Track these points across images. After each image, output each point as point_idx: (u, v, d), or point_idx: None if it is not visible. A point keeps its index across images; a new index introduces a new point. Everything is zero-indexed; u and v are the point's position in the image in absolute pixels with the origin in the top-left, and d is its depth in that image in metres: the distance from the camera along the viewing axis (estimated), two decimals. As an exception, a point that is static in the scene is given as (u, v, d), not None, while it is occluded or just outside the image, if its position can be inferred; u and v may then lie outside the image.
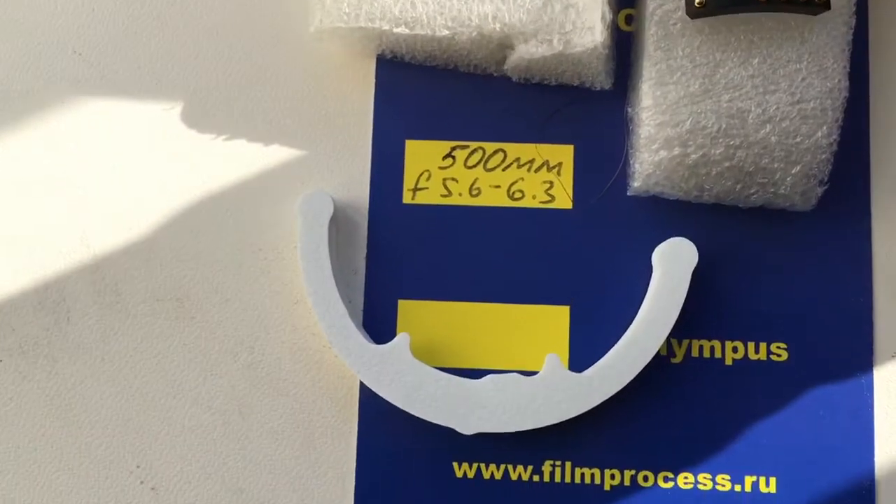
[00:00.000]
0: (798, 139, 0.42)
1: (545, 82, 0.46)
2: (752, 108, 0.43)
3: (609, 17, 0.42)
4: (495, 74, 0.47)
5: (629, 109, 0.46)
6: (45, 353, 0.46)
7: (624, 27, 0.48)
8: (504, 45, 0.45)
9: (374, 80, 0.48)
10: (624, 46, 0.47)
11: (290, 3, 0.48)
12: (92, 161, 0.48)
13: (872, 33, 0.46)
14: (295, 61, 0.48)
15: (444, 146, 0.47)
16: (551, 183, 0.47)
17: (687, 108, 0.43)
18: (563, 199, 0.47)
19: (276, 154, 0.48)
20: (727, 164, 0.43)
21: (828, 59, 0.43)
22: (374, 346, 0.43)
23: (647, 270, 0.45)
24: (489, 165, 0.47)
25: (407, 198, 0.47)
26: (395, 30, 0.44)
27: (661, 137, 0.43)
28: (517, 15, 0.43)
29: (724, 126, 0.43)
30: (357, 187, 0.47)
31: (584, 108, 0.47)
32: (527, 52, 0.44)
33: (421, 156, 0.47)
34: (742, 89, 0.43)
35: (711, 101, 0.43)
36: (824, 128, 0.43)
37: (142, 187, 0.47)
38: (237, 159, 0.47)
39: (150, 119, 0.48)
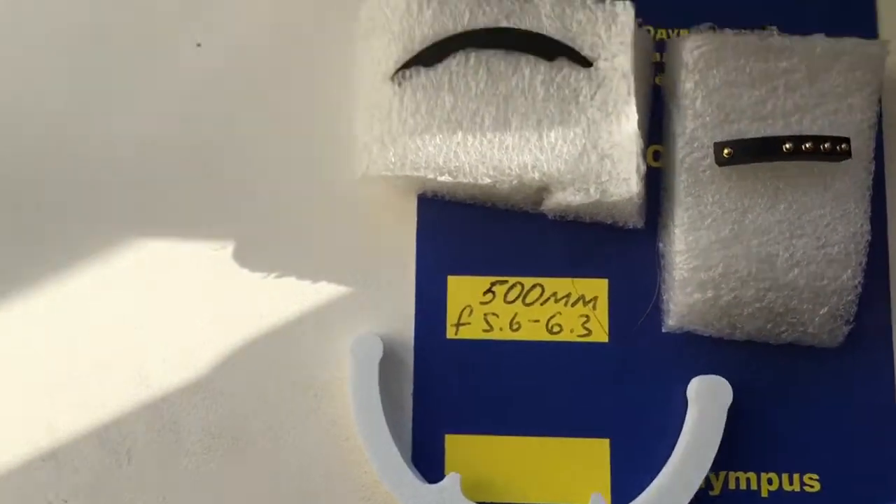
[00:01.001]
0: (825, 282, 0.44)
1: (580, 220, 0.48)
2: (781, 253, 0.45)
3: (644, 168, 0.45)
4: (532, 212, 0.49)
5: (660, 245, 0.48)
6: (109, 493, 0.48)
7: (652, 163, 0.50)
8: (542, 189, 0.47)
9: (416, 219, 0.50)
10: (652, 182, 0.49)
11: (336, 148, 0.50)
12: (148, 300, 0.50)
13: (889, 178, 0.48)
14: (339, 202, 0.50)
15: (485, 282, 0.49)
16: (587, 317, 0.49)
17: (718, 253, 0.45)
18: (600, 333, 0.49)
19: (323, 292, 0.49)
20: (758, 305, 0.45)
21: (850, 204, 0.45)
22: (425, 486, 0.45)
23: (683, 403, 0.47)
24: (528, 300, 0.49)
25: (450, 333, 0.49)
26: (440, 178, 0.46)
27: (695, 281, 0.45)
28: (555, 165, 0.45)
29: (754, 270, 0.45)
30: (402, 323, 0.49)
31: (617, 242, 0.49)
32: (564, 199, 0.46)
33: (463, 291, 0.49)
34: (770, 234, 0.45)
35: (741, 246, 0.45)
36: (849, 271, 0.45)
37: (196, 326, 0.49)
38: (286, 298, 0.49)
39: (202, 259, 0.50)
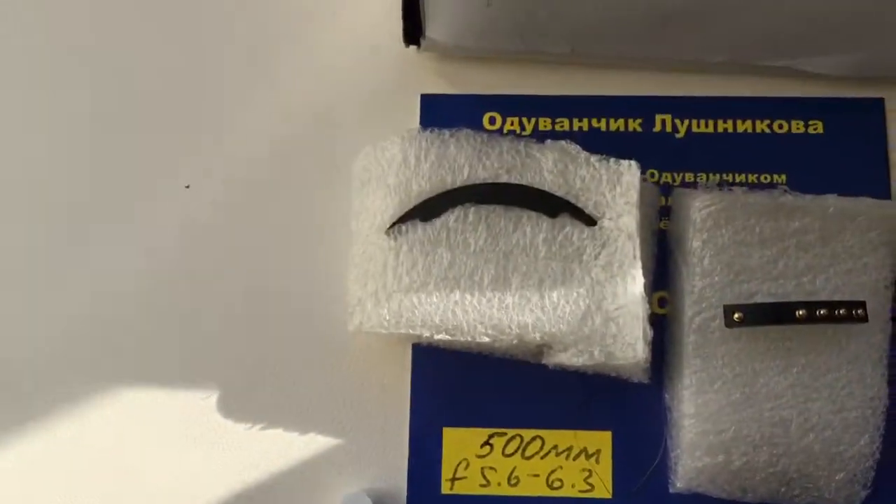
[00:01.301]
0: (841, 447, 0.43)
1: (582, 371, 0.47)
2: (795, 417, 0.43)
3: (650, 333, 0.43)
4: (532, 362, 0.47)
5: (667, 396, 0.46)
6: None
7: (657, 310, 0.48)
8: (543, 345, 0.45)
9: (409, 367, 0.48)
10: (657, 329, 0.47)
11: (327, 297, 0.48)
12: (131, 451, 0.48)
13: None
14: (330, 350, 0.48)
15: (482, 433, 0.47)
16: (590, 471, 0.47)
17: (729, 417, 0.43)
18: (602, 489, 0.47)
19: (312, 444, 0.48)
20: (771, 470, 0.43)
21: (866, 367, 0.43)
22: None
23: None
24: (527, 453, 0.47)
25: (445, 488, 0.47)
26: (437, 336, 0.44)
27: (704, 445, 0.43)
28: (557, 326, 0.44)
29: (767, 434, 0.43)
30: (395, 477, 0.47)
31: (621, 394, 0.47)
32: (567, 359, 0.44)
33: (459, 444, 0.47)
34: (783, 398, 0.43)
35: (753, 410, 0.43)
36: (866, 436, 0.43)
37: (182, 478, 0.47)
38: (274, 451, 0.48)
39: (189, 409, 0.48)
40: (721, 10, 0.45)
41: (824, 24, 0.46)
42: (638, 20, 0.45)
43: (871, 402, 0.43)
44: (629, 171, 0.44)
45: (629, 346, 0.43)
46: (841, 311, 0.42)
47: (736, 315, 0.42)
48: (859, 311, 0.42)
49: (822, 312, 0.42)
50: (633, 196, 0.44)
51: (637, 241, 0.43)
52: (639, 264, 0.43)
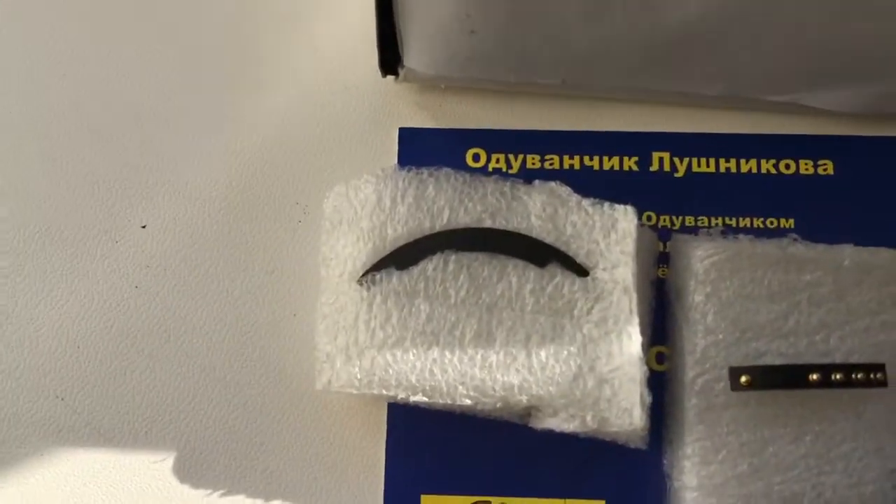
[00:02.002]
0: (858, 526, 0.39)
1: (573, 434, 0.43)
2: (808, 492, 0.39)
3: (649, 398, 0.39)
4: (519, 422, 0.43)
5: (666, 463, 0.42)
6: None
7: (655, 366, 0.44)
8: (531, 407, 0.41)
9: (385, 427, 0.44)
10: (656, 387, 0.43)
11: (293, 349, 0.45)
12: (75, 523, 0.43)
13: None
14: (297, 409, 0.44)
15: (464, 502, 0.44)
16: (582, 545, 0.43)
17: (735, 491, 0.39)
18: (596, 566, 0.43)
19: (278, 510, 0.43)
20: (781, 550, 0.39)
21: (886, 435, 0.39)
22: None
23: None
24: (514, 525, 0.43)
25: (423, 565, 0.43)
26: (413, 399, 0.40)
27: (708, 522, 0.39)
28: (546, 388, 0.40)
29: (776, 511, 0.39)
30: (368, 551, 0.43)
31: (616, 459, 0.43)
32: (557, 425, 0.40)
33: (439, 513, 0.43)
34: (795, 470, 0.39)
35: (762, 484, 0.39)
36: (886, 514, 0.39)
37: (130, 555, 0.43)
38: (235, 520, 0.43)
39: (139, 472, 0.44)
40: (719, 41, 0.42)
41: (830, 57, 0.42)
42: (634, 49, 0.42)
43: (890, 474, 0.39)
44: (625, 217, 0.40)
45: (625, 411, 0.39)
46: (858, 375, 0.38)
47: (743, 378, 0.38)
48: (878, 375, 0.38)
49: (837, 377, 0.38)
50: (630, 245, 0.40)
51: (634, 295, 0.39)
52: (636, 320, 0.39)
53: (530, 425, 0.42)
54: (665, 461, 0.43)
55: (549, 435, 0.42)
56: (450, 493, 0.44)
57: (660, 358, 0.44)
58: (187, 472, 0.44)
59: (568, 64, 0.44)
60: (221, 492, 0.44)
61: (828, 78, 0.43)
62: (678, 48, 0.42)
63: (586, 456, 0.43)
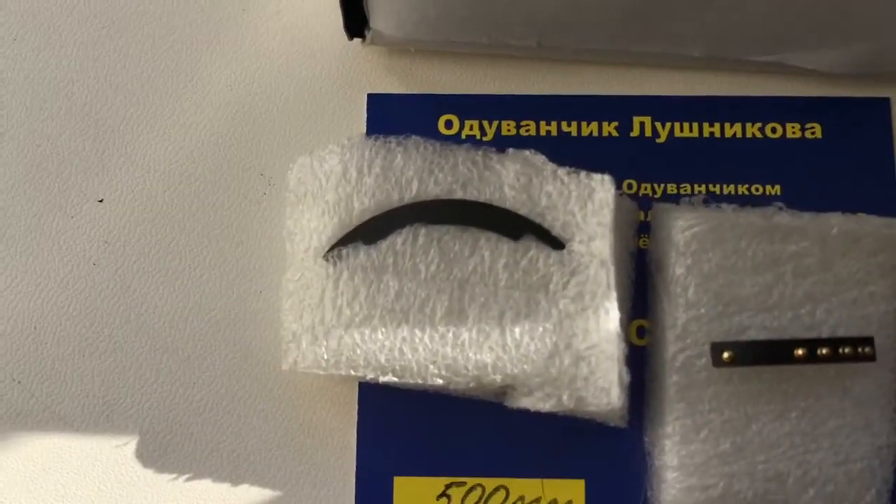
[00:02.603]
0: (845, 504, 0.37)
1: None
2: (792, 470, 0.38)
3: (627, 376, 0.37)
4: (494, 400, 0.42)
5: (647, 441, 0.41)
6: None
7: (636, 341, 0.42)
8: (505, 386, 0.40)
9: (356, 408, 0.42)
10: (637, 362, 0.41)
11: (253, 325, 0.43)
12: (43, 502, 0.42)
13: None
14: (264, 388, 0.43)
15: (438, 483, 0.42)
16: (561, 526, 0.41)
17: (718, 471, 0.38)
18: (575, 546, 0.41)
19: (245, 495, 0.42)
20: (765, 530, 0.38)
21: (874, 411, 0.38)
22: None
23: None
24: (490, 506, 0.42)
25: (397, 546, 0.41)
26: (382, 379, 0.39)
27: (690, 502, 0.38)
28: (520, 366, 0.38)
29: (760, 491, 0.38)
30: (339, 535, 0.42)
31: (595, 438, 0.42)
32: (532, 404, 0.39)
33: (411, 495, 0.42)
34: (779, 448, 0.38)
35: (745, 463, 0.38)
36: (873, 491, 0.38)
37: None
38: (200, 503, 0.42)
39: (100, 457, 0.43)
40: (701, -1, 0.40)
41: (816, 15, 0.40)
42: (612, 8, 0.40)
43: (878, 451, 0.38)
44: (602, 187, 0.38)
45: (602, 390, 0.37)
46: (846, 350, 0.36)
47: (725, 354, 0.37)
48: (866, 349, 0.37)
49: (824, 351, 0.36)
50: (607, 216, 0.38)
51: (612, 269, 0.38)
52: (614, 295, 0.38)
53: (505, 404, 0.41)
54: (646, 439, 0.41)
55: (526, 414, 0.41)
56: (423, 474, 0.42)
57: (641, 332, 0.43)
58: (150, 457, 0.43)
59: (543, 25, 0.42)
60: (187, 476, 0.43)
61: (813, 37, 0.41)
62: (658, 7, 0.40)
63: (564, 435, 0.42)
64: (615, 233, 0.39)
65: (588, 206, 0.39)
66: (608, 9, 0.40)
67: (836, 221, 0.38)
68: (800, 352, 0.36)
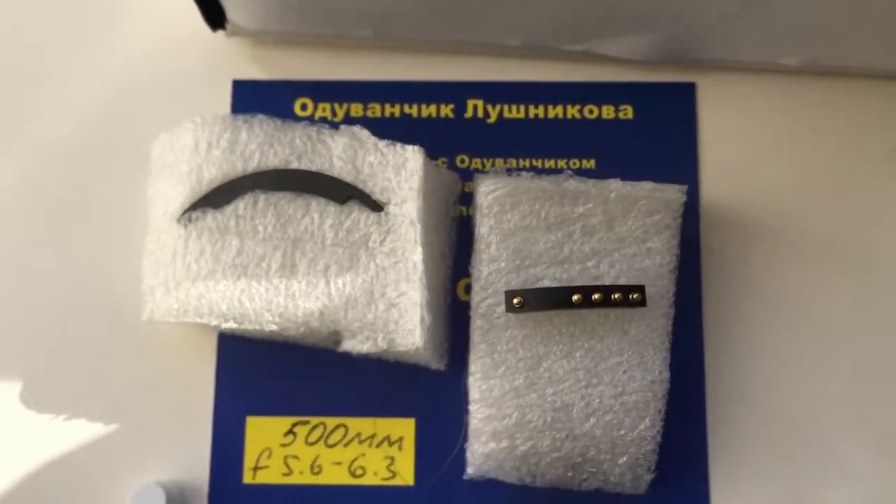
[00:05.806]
0: (622, 431, 0.43)
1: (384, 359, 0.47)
2: (577, 402, 0.43)
3: (428, 320, 0.43)
4: (336, 350, 0.47)
5: (465, 383, 0.46)
6: None
7: (463, 297, 0.48)
8: (337, 332, 0.45)
9: (215, 357, 0.48)
10: (461, 318, 0.47)
11: (123, 283, 0.48)
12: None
13: (707, 320, 0.47)
14: (131, 338, 0.48)
15: (286, 422, 0.47)
16: (393, 458, 0.47)
17: (512, 402, 0.43)
18: (405, 476, 0.47)
19: (112, 436, 0.47)
20: (555, 455, 0.43)
21: (648, 350, 0.43)
22: None
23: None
24: (330, 441, 0.47)
25: (247, 477, 0.47)
26: (224, 325, 0.44)
27: (489, 430, 0.43)
28: (341, 313, 0.43)
29: (549, 419, 0.43)
30: (197, 468, 0.47)
31: (424, 381, 0.47)
32: (354, 346, 0.44)
33: (262, 433, 0.47)
34: (566, 382, 0.43)
35: (536, 395, 0.43)
36: (647, 420, 0.43)
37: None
38: (70, 442, 0.47)
39: (-11, 400, 0.47)
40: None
41: (611, 6, 0.45)
42: (430, 3, 0.45)
43: (651, 385, 0.43)
44: (413, 157, 0.44)
45: (409, 332, 0.43)
46: (616, 296, 0.42)
47: (515, 300, 0.42)
48: (636, 296, 0.42)
49: (596, 297, 0.42)
50: (416, 181, 0.43)
51: (419, 227, 0.43)
52: (419, 251, 0.43)
53: (338, 350, 0.46)
54: (464, 382, 0.46)
55: (364, 361, 0.46)
56: (272, 414, 0.47)
57: (468, 289, 0.48)
58: (32, 401, 0.48)
59: (374, 17, 0.47)
60: (64, 416, 0.48)
61: (613, 26, 0.47)
62: (470, 1, 0.46)
63: (397, 379, 0.47)
64: (430, 198, 0.44)
65: (402, 174, 0.44)
66: (427, 4, 0.46)
67: (615, 186, 0.44)
68: (576, 297, 0.42)
